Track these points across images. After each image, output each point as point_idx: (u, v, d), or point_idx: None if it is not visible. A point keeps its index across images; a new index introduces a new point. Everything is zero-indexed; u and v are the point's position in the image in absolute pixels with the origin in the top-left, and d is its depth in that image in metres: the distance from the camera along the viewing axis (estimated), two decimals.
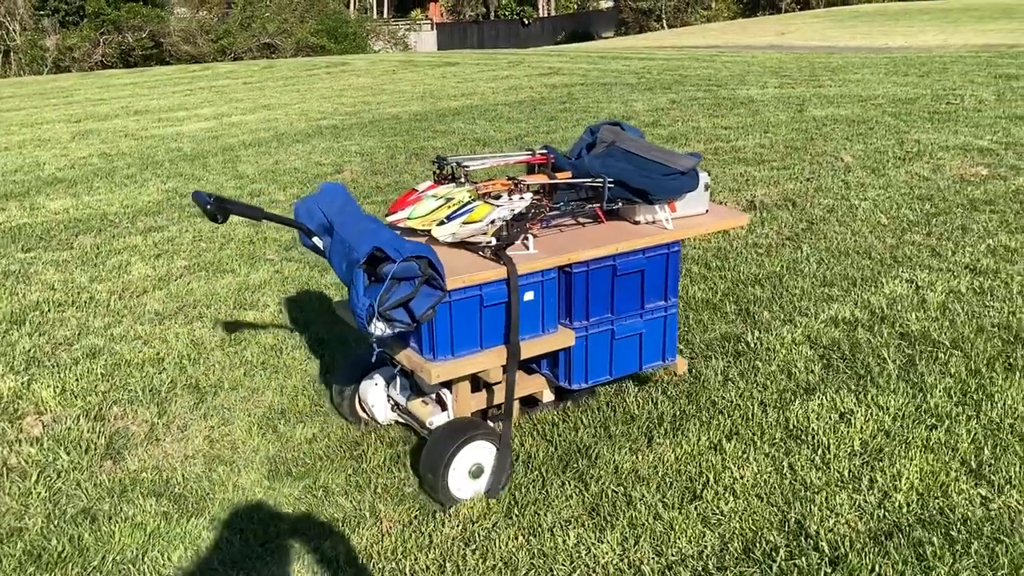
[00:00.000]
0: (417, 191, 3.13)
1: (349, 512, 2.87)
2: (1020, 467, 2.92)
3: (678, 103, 10.39)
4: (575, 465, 3.05)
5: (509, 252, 2.85)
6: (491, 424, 3.06)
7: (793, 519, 2.73)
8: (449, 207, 2.96)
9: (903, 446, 3.08)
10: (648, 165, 3.05)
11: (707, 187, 3.25)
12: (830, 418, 3.28)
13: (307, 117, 11.02)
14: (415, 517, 2.82)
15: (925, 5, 35.70)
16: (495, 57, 19.37)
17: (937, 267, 4.72)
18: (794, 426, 3.24)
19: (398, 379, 3.18)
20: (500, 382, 3.03)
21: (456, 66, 17.13)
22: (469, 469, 2.83)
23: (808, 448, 3.10)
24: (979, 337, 3.86)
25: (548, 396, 3.32)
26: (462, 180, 3.13)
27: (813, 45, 19.83)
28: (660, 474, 2.99)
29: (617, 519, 2.77)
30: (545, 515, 2.79)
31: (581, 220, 3.19)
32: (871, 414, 3.28)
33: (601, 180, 3.02)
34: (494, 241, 2.83)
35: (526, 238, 2.93)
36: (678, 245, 3.16)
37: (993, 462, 2.96)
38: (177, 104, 13.12)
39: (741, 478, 2.94)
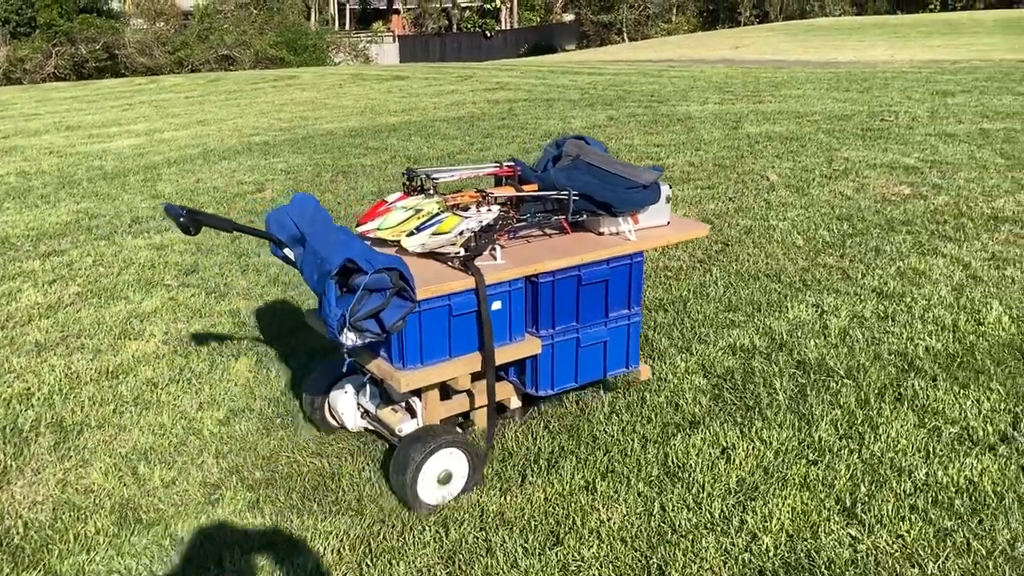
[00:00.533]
0: (387, 202, 3.19)
1: (194, 561, 2.71)
2: (894, 505, 2.83)
3: (616, 120, 10.34)
4: (439, 509, 2.91)
5: (477, 263, 2.92)
6: (460, 431, 3.15)
7: (655, 565, 2.62)
8: (418, 218, 3.02)
9: (780, 484, 2.98)
10: (611, 178, 3.16)
11: (668, 199, 3.36)
12: (710, 454, 3.18)
13: (240, 133, 10.83)
14: (262, 568, 2.67)
15: (879, 20, 36.26)
16: (446, 71, 19.28)
17: (845, 291, 4.66)
18: (672, 463, 3.13)
19: (368, 387, 3.23)
20: (466, 390, 3.10)
21: (404, 80, 17.00)
22: (438, 476, 2.88)
23: (682, 487, 2.99)
24: (874, 365, 3.79)
25: (515, 403, 3.40)
26: (431, 192, 3.20)
27: (764, 59, 19.97)
28: (526, 517, 2.86)
29: (473, 569, 2.63)
30: (398, 564, 2.66)
31: (547, 231, 3.28)
32: (752, 449, 3.18)
33: (567, 193, 3.13)
34: (462, 252, 2.90)
35: (494, 249, 3.00)
36: (641, 256, 3.27)
37: (867, 500, 2.87)
38: (111, 119, 12.85)
39: (608, 520, 2.82)
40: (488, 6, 54.73)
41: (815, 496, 2.90)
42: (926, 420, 3.34)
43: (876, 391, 3.57)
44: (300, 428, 3.47)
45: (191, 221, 2.58)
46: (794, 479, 2.99)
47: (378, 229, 3.07)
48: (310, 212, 2.80)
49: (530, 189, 3.21)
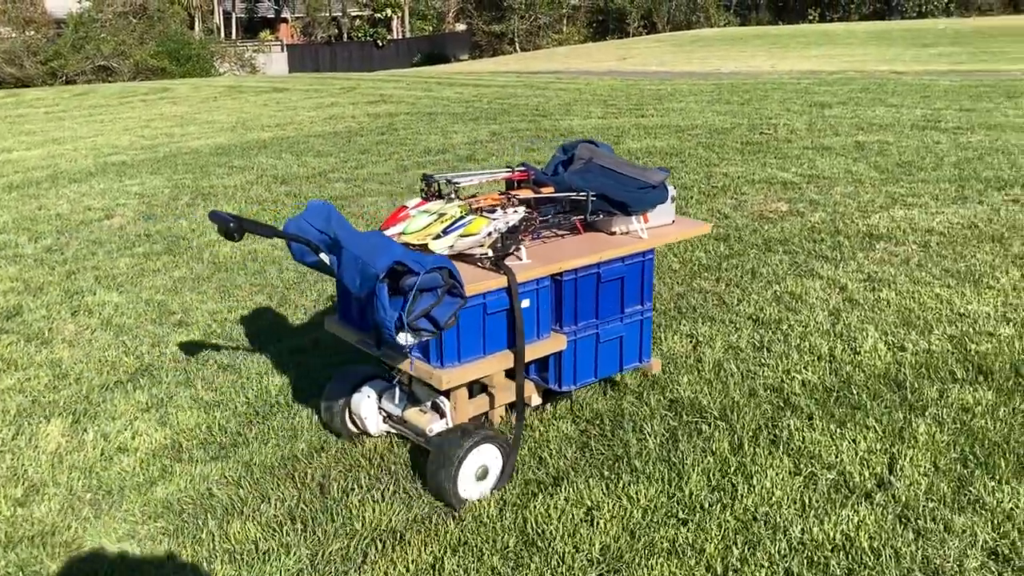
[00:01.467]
0: (407, 208, 3.20)
1: None
2: (768, 571, 2.59)
3: (498, 135, 10.08)
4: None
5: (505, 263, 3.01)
6: (493, 428, 3.26)
7: None
8: (442, 221, 3.05)
9: (647, 550, 2.70)
10: (624, 180, 3.31)
11: (673, 199, 3.51)
12: (574, 516, 2.88)
13: (97, 152, 10.09)
14: None
15: (760, 30, 37.35)
16: (330, 82, 18.71)
17: (720, 319, 4.47)
18: (532, 529, 2.82)
19: (396, 390, 3.26)
20: (493, 387, 3.20)
21: (283, 92, 16.38)
22: (476, 472, 2.94)
23: (541, 559, 2.68)
24: (749, 404, 3.58)
25: (536, 400, 3.47)
26: (451, 196, 3.22)
27: (650, 71, 20.14)
28: None
29: None
30: None
31: (559, 232, 3.38)
32: (619, 509, 2.90)
33: (585, 194, 3.25)
34: (490, 252, 2.99)
35: (518, 249, 3.09)
36: (652, 253, 3.42)
37: (740, 566, 2.62)
38: None
39: None
40: (379, 15, 54.10)
41: (684, 564, 2.64)
42: (802, 465, 3.13)
43: (750, 433, 3.35)
44: (113, 505, 3.02)
45: (238, 228, 2.59)
46: (662, 544, 2.72)
47: (402, 233, 3.05)
48: (332, 218, 2.83)
49: (547, 191, 3.31)
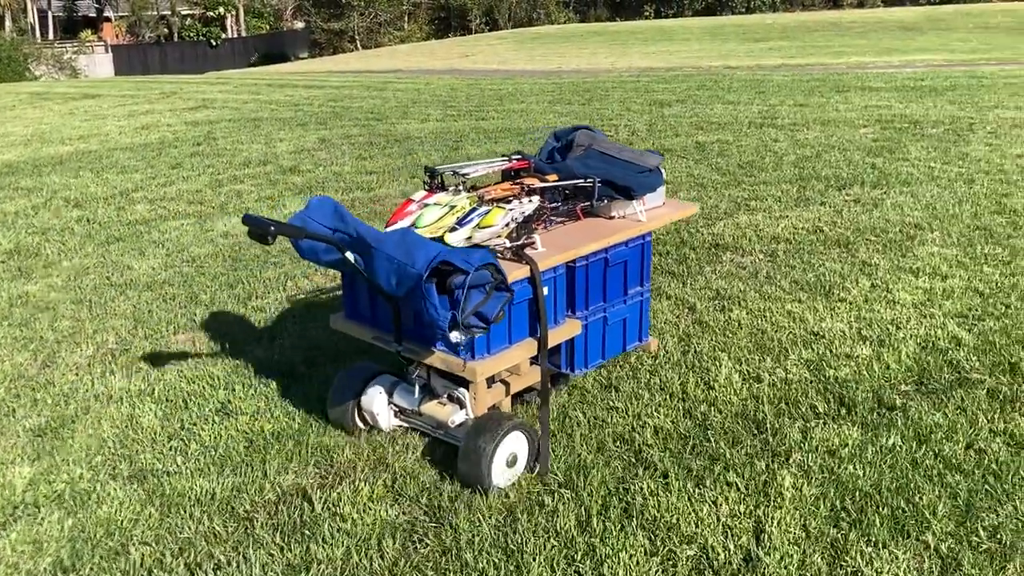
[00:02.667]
0: (413, 200, 3.14)
1: None
2: None
3: (328, 142, 9.35)
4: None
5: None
6: (516, 416, 3.21)
7: None
8: (454, 213, 2.99)
9: None
10: (624, 165, 3.41)
11: (664, 182, 3.63)
12: None
13: None
14: None
15: (599, 27, 37.84)
16: (151, 86, 17.32)
17: None
18: None
19: (411, 385, 3.19)
20: (517, 375, 3.22)
21: (95, 99, 14.96)
22: (507, 459, 2.94)
23: None
24: (597, 461, 3.11)
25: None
26: (459, 188, 3.17)
27: (492, 69, 19.77)
28: None
29: None
30: None
31: (560, 219, 3.38)
32: None
33: (591, 180, 3.29)
34: (507, 243, 3.01)
35: (533, 238, 3.10)
36: (650, 235, 3.54)
37: None
38: None
39: None
40: (211, 13, 51.59)
41: None
42: (659, 541, 2.68)
43: (599, 502, 2.87)
44: None
45: (275, 233, 2.51)
46: None
47: (415, 227, 2.97)
48: (347, 215, 2.82)
49: (553, 179, 3.29)
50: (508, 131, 9.67)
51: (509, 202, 3.08)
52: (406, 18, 50.03)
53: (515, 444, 2.98)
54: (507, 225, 3.00)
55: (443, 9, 50.27)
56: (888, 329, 4.17)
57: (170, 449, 3.33)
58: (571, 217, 3.42)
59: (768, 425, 3.32)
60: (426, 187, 3.24)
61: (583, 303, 3.33)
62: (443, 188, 3.23)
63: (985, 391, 3.55)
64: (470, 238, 2.93)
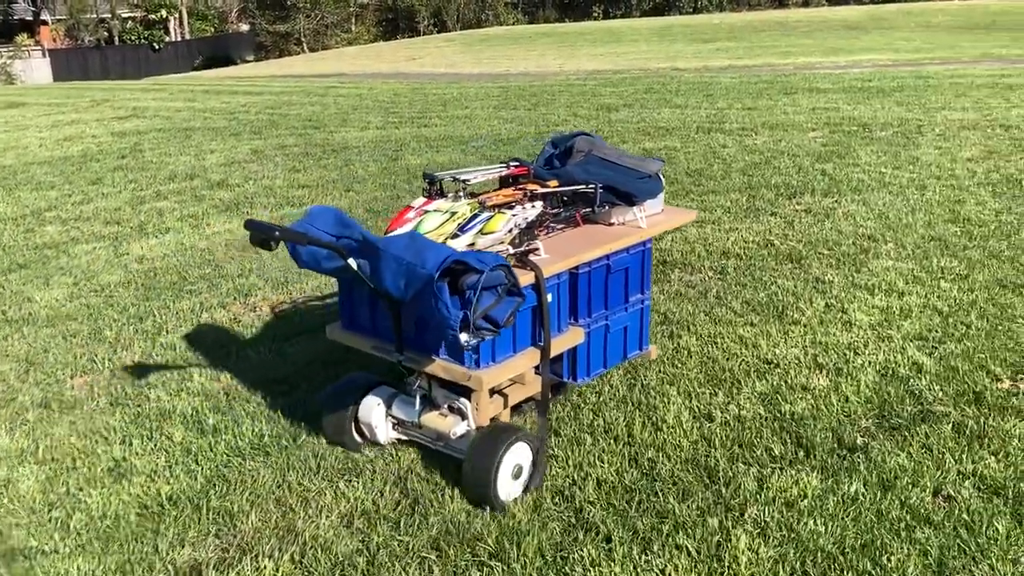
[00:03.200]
0: (413, 207, 3.09)
1: None
2: None
3: (261, 153, 8.91)
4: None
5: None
6: (520, 427, 3.16)
7: None
8: (455, 220, 2.94)
9: None
10: (625, 171, 3.37)
11: (663, 188, 3.60)
12: None
13: None
14: None
15: (548, 28, 37.65)
16: (81, 93, 16.64)
17: None
18: None
19: (411, 396, 3.09)
20: (508, 388, 3.15)
21: (19, 108, 14.29)
22: (512, 471, 2.86)
23: None
24: (533, 523, 2.79)
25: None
26: (459, 194, 3.11)
27: (439, 72, 19.40)
28: None
29: None
30: None
31: (560, 226, 3.32)
32: None
33: (593, 186, 3.25)
34: (510, 249, 2.93)
35: (535, 244, 3.03)
36: (650, 242, 3.48)
37: None
38: None
39: None
40: (153, 16, 50.34)
41: None
42: None
43: None
44: None
45: (279, 238, 2.50)
46: None
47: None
48: (350, 221, 2.79)
49: (554, 185, 3.25)
50: (450, 139, 9.32)
51: (511, 208, 3.03)
52: (353, 20, 49.36)
53: (520, 456, 2.91)
54: (510, 231, 2.96)
55: (391, 11, 49.68)
56: (845, 355, 3.92)
57: (50, 521, 2.93)
58: (571, 223, 3.37)
59: (721, 473, 3.03)
60: (425, 194, 3.17)
61: (585, 310, 3.28)
62: (442, 194, 3.16)
63: (950, 425, 3.30)
64: (472, 244, 2.88)
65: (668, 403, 3.51)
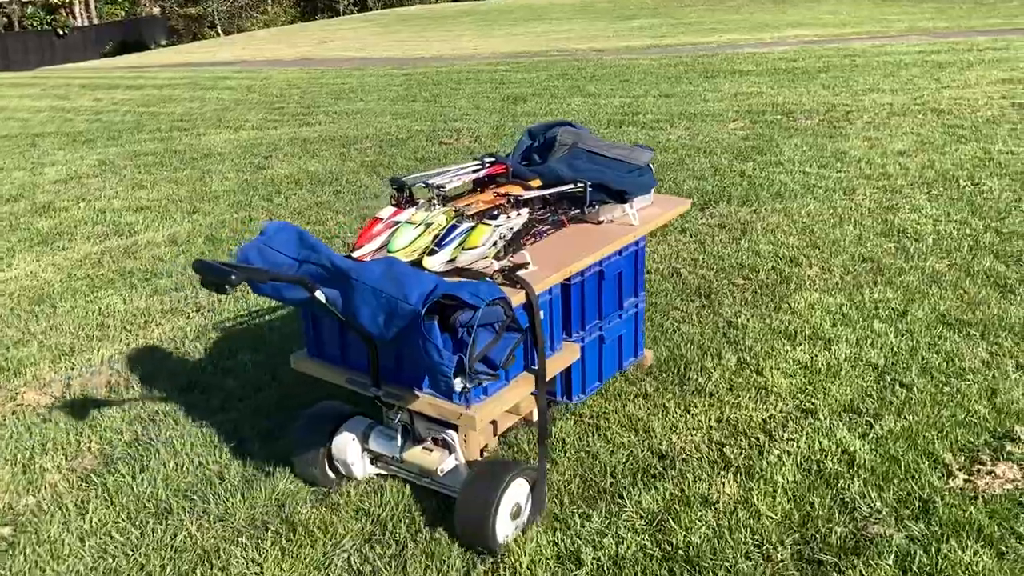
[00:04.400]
0: (381, 220, 2.73)
1: None
2: None
3: (108, 165, 7.76)
4: None
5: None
6: (518, 460, 2.90)
7: None
8: (431, 232, 2.65)
9: None
10: (614, 164, 3.09)
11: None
12: None
13: None
14: None
15: (469, 6, 36.41)
16: None
17: None
18: None
19: (392, 430, 2.77)
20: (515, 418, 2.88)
21: None
22: (511, 510, 2.57)
23: None
24: None
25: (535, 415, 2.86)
26: (433, 202, 2.79)
27: (347, 57, 18.20)
28: None
29: None
30: None
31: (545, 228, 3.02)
32: None
33: (582, 185, 2.95)
34: (495, 264, 2.62)
35: (523, 256, 2.72)
36: (644, 240, 3.20)
37: None
38: None
39: None
40: (56, 0, 47.71)
41: None
42: None
43: None
44: None
45: (238, 279, 2.03)
46: None
47: (388, 251, 2.60)
48: (315, 243, 2.42)
49: (535, 184, 2.97)
50: (330, 141, 8.28)
51: (494, 217, 2.69)
52: (269, 1, 47.42)
53: (518, 493, 2.62)
54: (494, 244, 2.64)
55: None
56: (759, 442, 3.07)
57: None
58: (556, 225, 3.04)
59: None
60: (393, 202, 2.84)
61: (579, 323, 2.99)
62: (413, 202, 2.84)
63: (892, 557, 2.47)
64: (452, 260, 2.58)
65: (523, 542, 2.61)
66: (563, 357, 2.91)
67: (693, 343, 3.82)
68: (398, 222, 2.73)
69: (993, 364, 3.55)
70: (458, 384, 2.27)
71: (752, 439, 3.09)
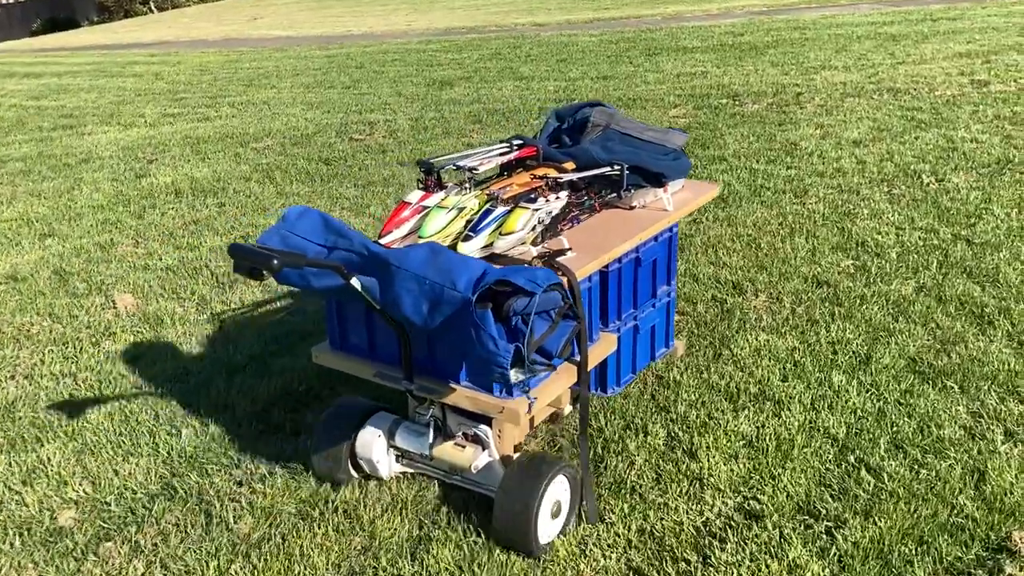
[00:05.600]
0: (409, 204, 2.59)
1: None
2: None
3: None
4: None
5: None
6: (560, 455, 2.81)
7: None
8: (463, 216, 2.51)
9: None
10: (649, 147, 3.01)
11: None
12: None
13: None
14: None
15: None
16: None
17: None
18: None
19: (423, 426, 2.62)
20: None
21: None
22: (552, 509, 2.44)
23: None
24: None
25: (568, 408, 2.91)
26: (465, 185, 2.66)
27: (273, 37, 17.14)
28: None
29: None
30: None
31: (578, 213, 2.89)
32: None
33: (619, 168, 2.84)
34: (533, 250, 2.50)
35: (562, 242, 2.61)
36: (676, 226, 3.09)
37: None
38: None
39: None
40: None
41: None
42: None
43: None
44: None
45: (281, 267, 1.90)
46: None
47: (419, 237, 2.47)
48: (337, 227, 2.27)
49: (570, 167, 2.86)
50: (228, 139, 7.39)
51: (532, 200, 2.56)
52: None
53: (559, 491, 2.43)
54: (533, 228, 2.49)
55: None
56: (688, 567, 2.37)
57: None
58: (590, 210, 2.92)
59: None
60: (421, 186, 2.69)
61: (615, 312, 2.87)
62: (441, 186, 2.70)
63: None
64: (489, 245, 2.42)
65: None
66: (602, 347, 2.77)
67: (615, 410, 3.10)
68: (427, 207, 2.58)
69: (977, 431, 2.89)
70: (515, 375, 2.11)
71: (682, 562, 2.39)
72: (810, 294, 3.94)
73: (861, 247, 4.42)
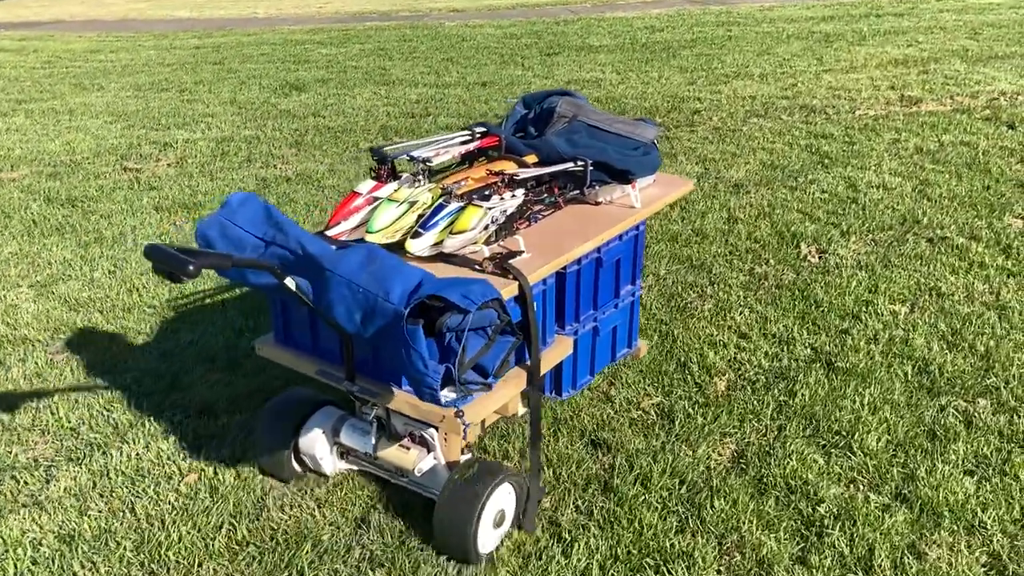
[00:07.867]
0: (360, 194, 2.44)
1: None
2: None
3: None
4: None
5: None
6: (504, 462, 2.72)
7: None
8: (415, 211, 2.40)
9: None
10: (617, 140, 2.87)
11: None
12: None
13: None
14: None
15: None
16: None
17: None
18: None
19: (366, 425, 2.51)
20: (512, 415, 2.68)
21: None
22: (495, 518, 2.34)
23: None
24: None
25: (522, 409, 2.72)
26: (418, 176, 2.53)
27: (172, 19, 15.62)
28: None
29: None
30: None
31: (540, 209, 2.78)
32: None
33: (583, 164, 2.70)
34: (485, 250, 2.40)
35: (517, 242, 2.46)
36: (644, 224, 2.94)
37: None
38: None
39: None
40: None
41: None
42: None
43: None
44: None
45: (198, 270, 1.74)
46: None
47: (367, 232, 2.34)
48: (276, 220, 2.13)
49: (531, 160, 2.73)
50: (23, 162, 6.00)
51: (486, 198, 2.40)
52: None
53: (503, 499, 2.35)
54: (485, 228, 2.35)
55: None
56: None
57: None
58: (552, 207, 2.73)
59: None
60: (374, 175, 2.51)
61: (573, 315, 2.68)
62: (395, 176, 2.53)
63: None
64: (438, 244, 2.32)
65: None
66: (556, 352, 2.59)
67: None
68: (378, 198, 2.42)
69: None
70: (446, 396, 1.98)
71: None
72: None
73: (675, 377, 3.15)
